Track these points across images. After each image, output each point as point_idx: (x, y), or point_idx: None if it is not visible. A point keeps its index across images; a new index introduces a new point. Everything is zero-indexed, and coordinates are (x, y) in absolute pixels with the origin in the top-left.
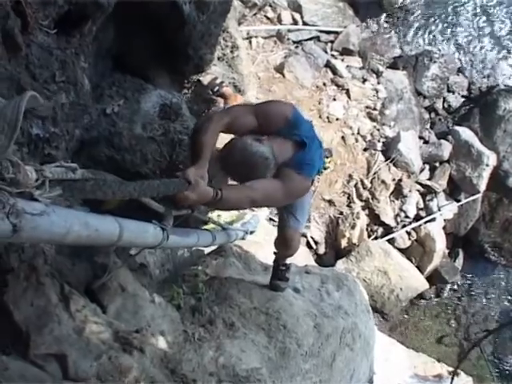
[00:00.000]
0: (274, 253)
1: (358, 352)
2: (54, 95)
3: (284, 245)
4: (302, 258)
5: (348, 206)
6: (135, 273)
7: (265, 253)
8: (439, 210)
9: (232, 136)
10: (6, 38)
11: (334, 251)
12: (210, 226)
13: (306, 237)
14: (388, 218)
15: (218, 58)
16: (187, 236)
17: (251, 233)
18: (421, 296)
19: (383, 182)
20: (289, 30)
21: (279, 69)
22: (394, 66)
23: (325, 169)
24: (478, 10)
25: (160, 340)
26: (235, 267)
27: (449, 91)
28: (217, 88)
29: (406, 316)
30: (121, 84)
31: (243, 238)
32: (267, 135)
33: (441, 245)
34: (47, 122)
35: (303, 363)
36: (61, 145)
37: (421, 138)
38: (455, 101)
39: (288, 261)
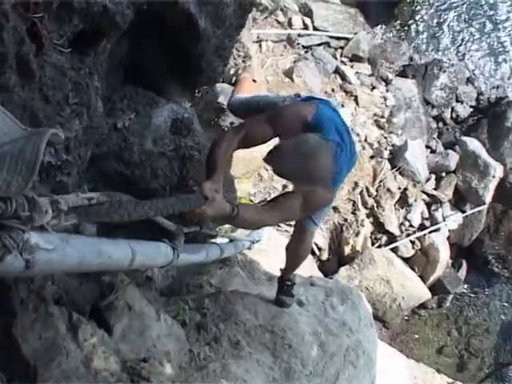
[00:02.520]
0: (281, 269)
1: (361, 369)
2: (67, 122)
3: (297, 248)
4: (305, 263)
5: (353, 213)
6: (141, 287)
7: (269, 261)
8: (444, 220)
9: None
10: (21, 64)
11: (337, 258)
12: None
13: None
14: (392, 226)
15: (230, 67)
16: (196, 253)
17: (257, 241)
18: (423, 306)
19: (389, 190)
20: (299, 35)
21: (288, 73)
22: (403, 74)
23: None
24: (489, 21)
25: (167, 367)
26: (240, 277)
27: (457, 101)
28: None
29: (407, 325)
30: (132, 97)
31: (249, 248)
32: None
33: (444, 255)
34: (60, 149)
35: (307, 383)
36: (73, 171)
37: (428, 147)
38: (463, 111)
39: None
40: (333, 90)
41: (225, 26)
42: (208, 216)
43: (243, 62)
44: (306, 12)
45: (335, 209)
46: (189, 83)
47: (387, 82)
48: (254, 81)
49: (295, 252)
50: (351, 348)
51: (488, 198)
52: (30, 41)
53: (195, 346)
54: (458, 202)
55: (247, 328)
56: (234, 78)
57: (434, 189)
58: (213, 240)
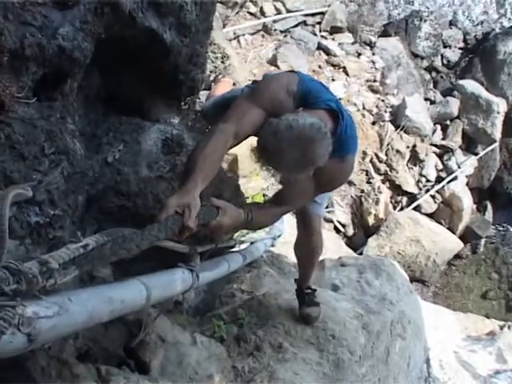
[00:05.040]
0: (295, 280)
1: (410, 339)
2: (44, 176)
3: (309, 242)
4: (331, 243)
5: (368, 182)
6: (171, 314)
7: None
8: (459, 167)
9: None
10: None
11: (362, 230)
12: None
13: (332, 222)
14: (410, 186)
15: (211, 72)
16: (217, 267)
17: (278, 236)
18: (458, 256)
19: (398, 151)
20: (274, 21)
21: (272, 61)
22: (385, 33)
23: None
24: None
25: None
26: (270, 276)
27: (445, 47)
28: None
29: (446, 279)
30: (117, 128)
31: (273, 245)
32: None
33: (467, 201)
34: (44, 206)
35: (359, 368)
36: (65, 223)
37: (426, 99)
38: (453, 55)
39: (316, 265)
40: (320, 67)
41: (191, 32)
42: (225, 226)
43: (222, 62)
44: None
45: (350, 183)
46: (172, 98)
47: (371, 45)
48: (234, 84)
49: (307, 247)
50: (396, 321)
51: (497, 134)
52: None
53: (238, 361)
54: (469, 146)
55: (286, 328)
56: (212, 84)
57: (442, 139)
58: (233, 249)
